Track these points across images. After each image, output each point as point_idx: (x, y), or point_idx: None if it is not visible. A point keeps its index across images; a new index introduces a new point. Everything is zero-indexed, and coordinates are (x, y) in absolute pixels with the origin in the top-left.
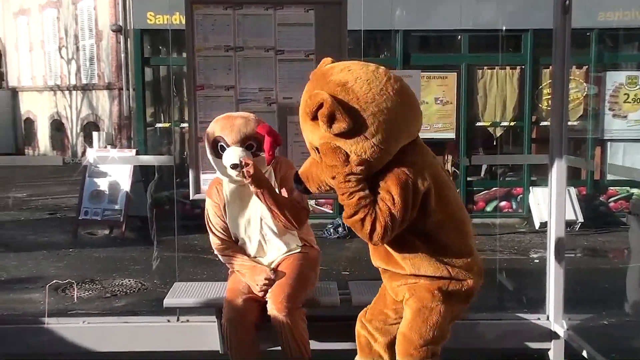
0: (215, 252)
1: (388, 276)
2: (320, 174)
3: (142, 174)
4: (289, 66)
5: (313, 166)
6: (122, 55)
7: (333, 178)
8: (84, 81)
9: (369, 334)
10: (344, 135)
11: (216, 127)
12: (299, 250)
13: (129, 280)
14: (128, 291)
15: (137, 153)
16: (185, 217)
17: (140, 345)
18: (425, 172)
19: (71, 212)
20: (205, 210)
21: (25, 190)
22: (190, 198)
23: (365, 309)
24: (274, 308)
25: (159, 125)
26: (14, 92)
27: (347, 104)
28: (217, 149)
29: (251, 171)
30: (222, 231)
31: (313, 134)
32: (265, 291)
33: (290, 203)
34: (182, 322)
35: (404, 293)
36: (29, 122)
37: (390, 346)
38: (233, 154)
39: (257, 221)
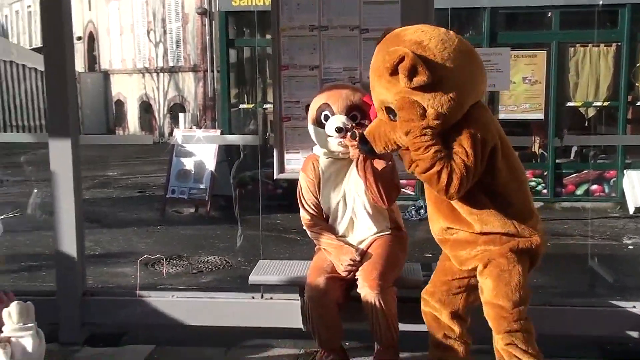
0: (305, 227)
1: (451, 245)
2: (389, 132)
3: (226, 154)
4: (373, 45)
5: (380, 126)
6: (207, 37)
7: (407, 133)
8: (171, 63)
9: (433, 309)
10: (423, 89)
11: (322, 96)
12: (389, 231)
13: (214, 258)
14: (213, 268)
15: (222, 133)
16: (268, 197)
17: (225, 321)
18: (492, 129)
19: (159, 190)
20: (299, 185)
21: (117, 169)
22: (274, 178)
23: (425, 287)
24: (366, 285)
25: (242, 106)
26: (106, 75)
27: (426, 58)
28: (321, 118)
29: (360, 130)
30: (313, 207)
31: (388, 90)
32: (349, 272)
33: (384, 177)
34: (266, 299)
35: (475, 263)
36: (120, 104)
37: (456, 316)
38: (337, 121)
39: (350, 198)
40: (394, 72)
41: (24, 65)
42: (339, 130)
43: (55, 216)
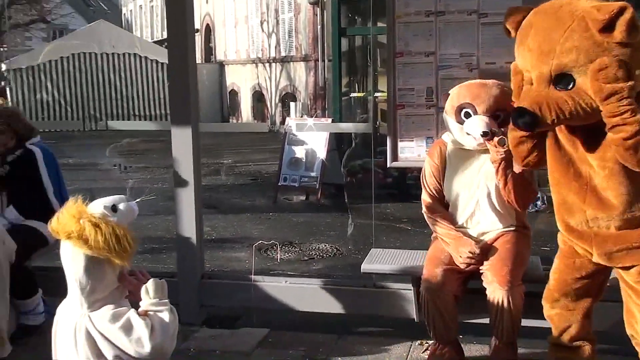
0: (423, 211)
1: (598, 238)
2: (562, 102)
3: (336, 142)
4: (492, 30)
5: (542, 96)
6: (319, 27)
7: (608, 96)
8: (283, 53)
9: (563, 307)
10: (632, 47)
11: (467, 94)
12: (513, 228)
13: (325, 245)
14: (324, 255)
15: (333, 122)
16: (378, 186)
17: (337, 308)
18: None
19: (270, 178)
20: (423, 169)
21: (231, 157)
22: (387, 166)
23: (547, 289)
24: (495, 281)
25: (353, 94)
26: (221, 66)
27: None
28: (461, 115)
29: (506, 144)
30: (435, 192)
31: (579, 50)
32: (467, 264)
33: (523, 182)
34: (377, 288)
35: (632, 262)
36: (233, 94)
37: (585, 317)
38: (481, 123)
39: (478, 191)
40: (606, 27)
41: (146, 58)
42: (484, 134)
43: (175, 201)
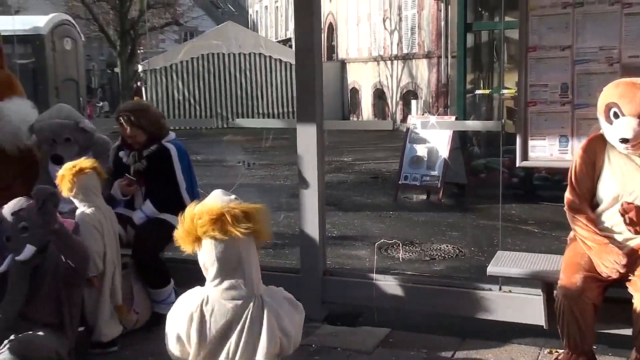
0: (566, 207)
1: None
2: None
3: (459, 141)
4: (638, 20)
5: None
6: (442, 23)
7: None
8: (405, 51)
9: None
10: None
11: (615, 92)
12: None
13: (447, 246)
14: (446, 256)
15: (456, 119)
16: (504, 186)
17: (460, 310)
18: None
19: (391, 176)
20: (573, 162)
21: (351, 155)
22: (517, 165)
23: None
24: None
25: (478, 91)
26: (342, 64)
27: None
28: (610, 115)
29: None
30: (584, 191)
31: None
32: (610, 274)
33: None
34: (504, 291)
35: None
36: (354, 92)
37: None
38: (625, 127)
39: (632, 194)
40: None
41: (270, 57)
42: (623, 141)
43: (300, 198)
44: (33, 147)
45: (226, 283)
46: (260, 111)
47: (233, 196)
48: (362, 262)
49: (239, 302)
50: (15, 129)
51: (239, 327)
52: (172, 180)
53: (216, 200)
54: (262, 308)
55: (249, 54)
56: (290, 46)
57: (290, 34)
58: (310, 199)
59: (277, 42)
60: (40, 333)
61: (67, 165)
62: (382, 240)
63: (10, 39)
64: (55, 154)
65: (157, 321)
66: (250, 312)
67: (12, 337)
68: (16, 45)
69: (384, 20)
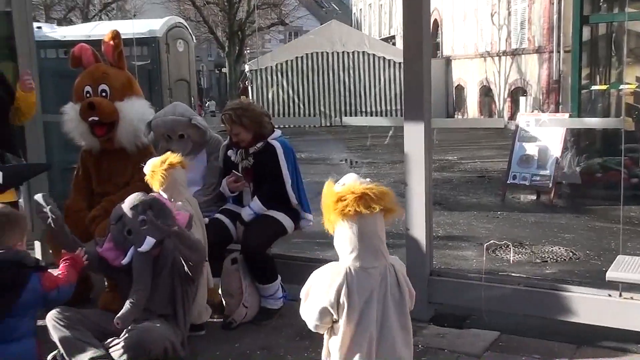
0: None
1: None
2: None
3: (573, 139)
4: None
5: None
6: (555, 16)
7: None
8: (514, 46)
9: None
10: None
11: None
12: None
13: (559, 248)
14: (558, 259)
15: (570, 117)
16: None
17: (575, 316)
18: None
19: (498, 175)
20: None
21: (456, 154)
22: None
23: None
24: None
25: (594, 87)
26: (447, 61)
27: None
28: None
29: None
30: None
31: None
32: None
33: None
34: (625, 298)
35: None
36: (459, 89)
37: None
38: None
39: None
40: None
41: (374, 55)
42: None
43: (406, 197)
44: (150, 144)
45: (366, 254)
46: (364, 109)
47: (368, 179)
48: (468, 263)
49: (378, 270)
50: (134, 129)
51: (381, 292)
52: (278, 177)
53: (355, 181)
54: (395, 274)
55: (353, 52)
56: (394, 43)
57: (394, 31)
58: (418, 198)
59: (381, 39)
60: (157, 323)
61: (156, 161)
62: (491, 241)
63: (130, 41)
64: (170, 150)
65: (266, 315)
66: (388, 278)
67: (131, 325)
68: (135, 47)
69: (492, 15)
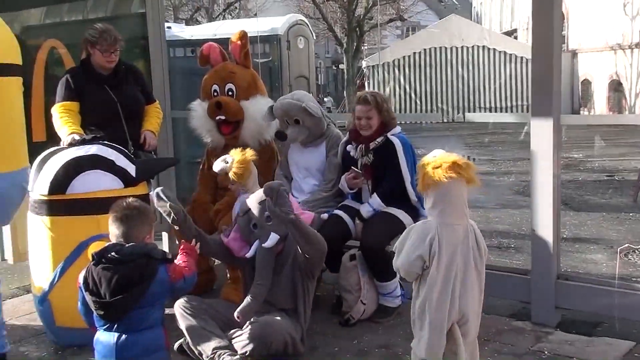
0: None
1: None
2: None
3: None
4: None
5: None
6: None
7: None
8: None
9: None
10: None
11: None
12: None
13: None
14: None
15: None
16: None
17: None
18: None
19: (629, 175)
20: None
21: (581, 151)
22: None
23: None
24: None
25: None
26: (573, 54)
27: None
28: None
29: None
30: None
31: None
32: None
33: None
34: None
35: None
36: (586, 83)
37: None
38: None
39: None
40: None
41: (494, 49)
42: None
43: (531, 196)
44: (272, 141)
45: (452, 213)
46: (482, 105)
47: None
48: (597, 267)
49: (462, 227)
50: (258, 126)
51: (465, 247)
52: (398, 174)
53: (445, 153)
54: (474, 231)
55: (472, 46)
56: (516, 37)
57: (516, 24)
58: (544, 197)
59: (502, 34)
60: (278, 317)
61: (237, 155)
62: (626, 245)
63: (254, 39)
64: (280, 130)
65: (384, 313)
66: (469, 235)
67: (253, 318)
68: (258, 45)
69: (625, 5)
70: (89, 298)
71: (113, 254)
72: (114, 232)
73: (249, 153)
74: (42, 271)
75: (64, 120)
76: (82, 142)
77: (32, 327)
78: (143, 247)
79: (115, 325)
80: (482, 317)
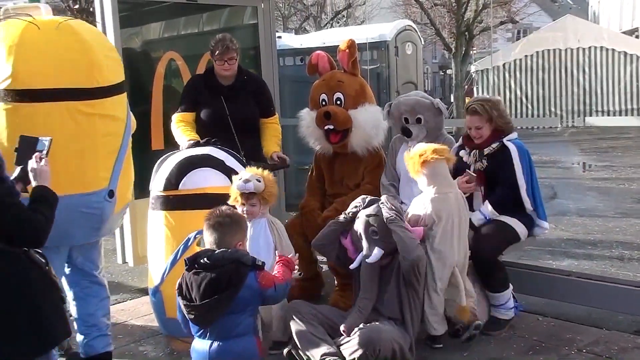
0: None
1: None
2: None
3: None
4: None
5: None
6: None
7: None
8: None
9: None
10: None
11: None
12: None
13: None
14: None
15: None
16: None
17: None
18: None
19: None
20: None
21: None
22: None
23: None
24: None
25: None
26: None
27: None
28: None
29: None
30: None
31: None
32: None
33: None
34: None
35: None
36: None
37: None
38: None
39: None
40: None
41: (613, 50)
42: None
43: None
44: (381, 149)
45: (441, 185)
46: (600, 109)
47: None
48: None
49: (452, 194)
50: (367, 134)
51: (457, 211)
52: (512, 181)
53: (426, 144)
54: (461, 199)
55: (589, 47)
56: (637, 36)
57: (638, 23)
58: None
59: (622, 33)
60: (386, 325)
61: (259, 174)
62: None
63: (363, 46)
64: (406, 127)
65: (496, 325)
66: (458, 201)
67: (361, 325)
68: (367, 52)
69: None
70: (181, 302)
71: (205, 259)
72: (208, 238)
73: (267, 172)
74: (157, 264)
75: (181, 129)
76: (197, 144)
77: (150, 327)
78: (233, 253)
79: (209, 333)
80: (603, 333)
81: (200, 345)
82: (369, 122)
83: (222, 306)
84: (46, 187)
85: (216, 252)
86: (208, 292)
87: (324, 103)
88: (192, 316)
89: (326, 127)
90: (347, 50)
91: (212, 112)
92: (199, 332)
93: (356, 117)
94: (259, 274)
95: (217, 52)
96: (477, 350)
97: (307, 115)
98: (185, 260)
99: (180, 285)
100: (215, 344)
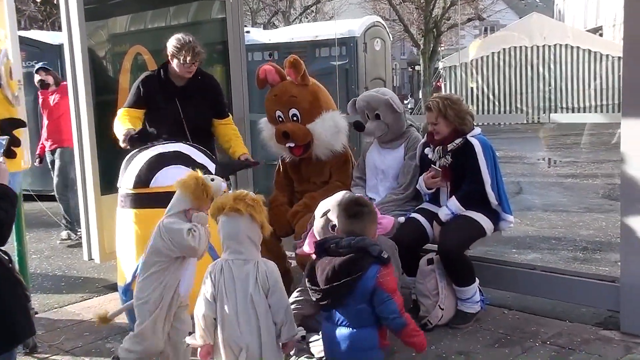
0: None
1: None
2: None
3: None
4: None
5: None
6: None
7: None
8: None
9: None
10: None
11: None
12: None
13: None
14: None
15: None
16: None
17: None
18: None
19: None
20: None
21: None
22: None
23: None
24: None
25: None
26: None
27: None
28: None
29: None
30: None
31: None
32: None
33: None
34: None
35: None
36: None
37: None
38: None
39: None
40: None
41: (578, 48)
42: None
43: (621, 200)
44: (347, 149)
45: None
46: (564, 105)
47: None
48: None
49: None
50: (328, 142)
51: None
52: (477, 177)
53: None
54: None
55: (554, 45)
56: (601, 35)
57: (602, 21)
58: (635, 201)
59: (587, 31)
60: None
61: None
62: None
63: (331, 42)
64: (359, 121)
65: (463, 319)
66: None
67: None
68: (336, 48)
69: None
70: (309, 286)
71: (332, 245)
72: (341, 227)
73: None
74: (126, 262)
75: (123, 122)
76: (138, 134)
77: (118, 324)
78: (361, 241)
79: (336, 319)
80: (566, 325)
81: (328, 329)
82: (328, 130)
83: (344, 291)
84: (6, 185)
85: (344, 239)
86: (332, 277)
87: (280, 119)
88: (316, 298)
89: (287, 145)
90: (293, 69)
91: (165, 114)
92: (327, 316)
93: (315, 130)
94: (382, 269)
95: (188, 57)
96: (444, 344)
97: (266, 126)
98: (315, 247)
99: (309, 270)
100: (341, 329)
